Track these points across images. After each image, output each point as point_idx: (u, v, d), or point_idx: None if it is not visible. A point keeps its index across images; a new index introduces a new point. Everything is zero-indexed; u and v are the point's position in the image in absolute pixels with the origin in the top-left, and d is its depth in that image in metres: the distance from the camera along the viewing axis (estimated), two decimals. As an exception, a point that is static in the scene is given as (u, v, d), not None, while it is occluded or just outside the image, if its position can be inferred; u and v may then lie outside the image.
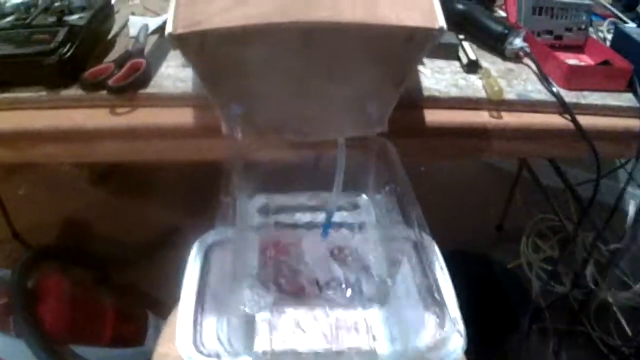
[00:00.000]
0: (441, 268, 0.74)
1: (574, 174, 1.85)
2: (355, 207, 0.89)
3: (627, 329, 1.81)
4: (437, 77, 1.00)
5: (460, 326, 0.66)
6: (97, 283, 1.87)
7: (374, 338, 0.75)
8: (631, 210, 1.11)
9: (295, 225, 0.87)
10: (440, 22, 0.59)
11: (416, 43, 0.61)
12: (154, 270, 1.98)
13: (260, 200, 0.89)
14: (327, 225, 0.82)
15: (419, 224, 0.73)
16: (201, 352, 0.66)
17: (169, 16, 0.60)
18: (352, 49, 0.62)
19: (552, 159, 1.73)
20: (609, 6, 1.47)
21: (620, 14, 1.42)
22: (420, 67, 0.99)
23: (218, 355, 0.64)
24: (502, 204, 2.32)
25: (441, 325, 0.66)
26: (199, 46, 0.59)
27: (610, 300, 1.77)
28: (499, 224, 2.36)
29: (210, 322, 0.69)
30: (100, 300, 1.66)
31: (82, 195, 2.34)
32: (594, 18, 1.34)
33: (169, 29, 0.58)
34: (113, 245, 2.12)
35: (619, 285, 1.98)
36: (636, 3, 1.46)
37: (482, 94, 0.97)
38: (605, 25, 1.32)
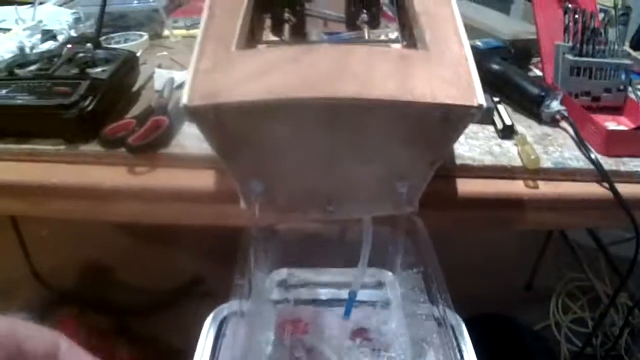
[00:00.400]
0: (468, 352, 0.68)
1: (607, 232, 1.77)
2: (380, 285, 0.83)
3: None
4: (470, 143, 0.94)
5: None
6: (116, 331, 1.83)
7: None
8: None
9: (316, 302, 0.81)
10: (480, 99, 0.53)
11: (453, 122, 0.55)
12: (175, 320, 1.92)
13: (280, 274, 0.83)
14: (350, 305, 0.75)
15: (445, 306, 0.67)
16: None
17: (186, 83, 0.55)
18: (383, 127, 0.56)
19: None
20: (646, 64, 1.41)
21: (658, 72, 1.36)
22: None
23: None
24: (532, 263, 2.23)
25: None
26: (216, 120, 0.54)
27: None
28: (529, 284, 2.27)
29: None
30: (118, 349, 1.65)
31: (105, 240, 2.30)
32: (633, 77, 1.28)
33: (184, 100, 0.53)
34: (133, 293, 2.09)
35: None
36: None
37: (518, 162, 0.90)
38: (644, 85, 1.26)
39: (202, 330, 0.75)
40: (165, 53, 1.32)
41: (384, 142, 0.58)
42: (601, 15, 1.38)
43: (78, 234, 2.25)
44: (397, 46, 0.83)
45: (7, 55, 1.22)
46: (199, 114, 0.53)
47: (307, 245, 0.79)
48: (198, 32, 0.63)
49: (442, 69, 0.56)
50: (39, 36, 1.35)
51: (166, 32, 1.44)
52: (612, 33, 1.40)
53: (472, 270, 2.03)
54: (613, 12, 1.40)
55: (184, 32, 1.45)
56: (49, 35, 1.37)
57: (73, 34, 1.42)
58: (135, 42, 1.34)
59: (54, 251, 2.22)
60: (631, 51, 1.50)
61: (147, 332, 1.90)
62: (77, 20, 1.49)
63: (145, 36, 1.37)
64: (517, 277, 2.30)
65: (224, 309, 0.74)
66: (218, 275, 2.15)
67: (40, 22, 1.46)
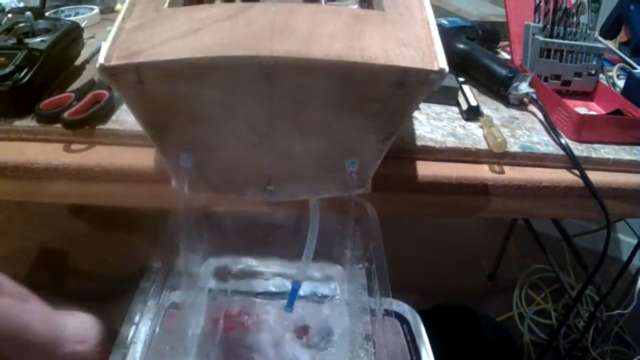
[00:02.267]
0: (423, 341, 0.61)
1: (571, 222, 1.73)
2: (328, 278, 0.74)
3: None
4: (432, 124, 0.86)
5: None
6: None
7: None
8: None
9: (256, 294, 0.72)
10: (441, 63, 0.45)
11: (409, 88, 0.47)
12: (128, 307, 1.84)
13: (218, 261, 0.74)
14: (292, 298, 0.67)
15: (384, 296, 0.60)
16: None
17: (105, 43, 0.46)
18: (327, 93, 0.47)
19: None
20: (617, 51, 1.36)
21: (629, 59, 1.31)
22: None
23: None
24: (495, 253, 2.18)
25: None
26: (137, 83, 0.45)
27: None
28: (491, 274, 2.21)
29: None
30: None
31: (59, 225, 2.20)
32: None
33: (100, 59, 0.44)
34: (89, 279, 2.00)
35: (617, 343, 1.83)
36: (645, 48, 1.35)
37: (483, 145, 0.83)
38: (614, 71, 1.21)
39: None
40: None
41: (329, 111, 0.49)
42: (572, 1, 1.32)
43: (31, 219, 2.15)
44: (354, 6, 0.75)
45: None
46: (117, 75, 0.44)
47: (254, 232, 0.70)
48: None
49: (399, 30, 0.48)
50: (-19, 8, 1.26)
51: (118, 6, 1.35)
52: (584, 18, 1.34)
53: (434, 260, 1.98)
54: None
55: (137, 6, 1.35)
56: (-2, 8, 1.28)
57: (21, 5, 1.33)
58: (85, 15, 1.24)
59: (8, 237, 2.12)
60: (601, 39, 1.44)
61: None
62: (27, -8, 1.40)
63: (96, 9, 1.28)
64: (480, 267, 2.25)
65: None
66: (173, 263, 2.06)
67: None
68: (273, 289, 0.73)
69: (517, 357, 1.78)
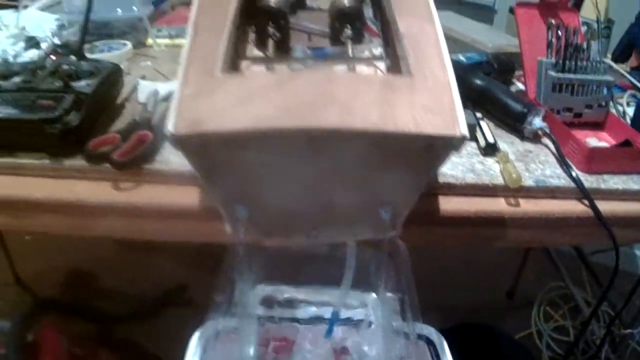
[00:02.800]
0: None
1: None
2: (363, 304, 0.84)
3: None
4: (453, 160, 0.95)
5: None
6: (98, 339, 1.83)
7: None
8: None
9: (300, 320, 0.81)
10: (462, 129, 0.54)
11: (436, 151, 0.56)
12: (158, 328, 1.94)
13: (264, 290, 0.83)
14: (332, 324, 0.76)
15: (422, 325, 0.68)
16: None
17: (170, 110, 0.55)
18: (365, 156, 0.56)
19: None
20: (628, 76, 1.43)
21: (638, 84, 1.39)
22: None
23: None
24: (514, 272, 2.26)
25: None
26: (200, 147, 0.54)
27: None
28: (510, 292, 2.29)
29: None
30: (100, 357, 1.63)
31: (88, 247, 2.30)
32: (614, 91, 1.30)
33: (169, 127, 0.53)
34: (117, 300, 2.10)
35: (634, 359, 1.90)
36: (656, 74, 1.43)
37: (500, 180, 0.91)
38: (625, 98, 1.29)
39: (187, 348, 0.75)
40: (148, 63, 1.32)
41: (366, 170, 0.58)
42: (584, 28, 1.40)
43: (62, 240, 2.25)
44: (381, 64, 0.84)
45: (-11, 64, 1.22)
46: (184, 142, 0.53)
47: (294, 262, 0.80)
48: (183, 51, 0.63)
49: (425, 97, 0.57)
50: (22, 44, 1.35)
51: (149, 41, 1.44)
52: (595, 44, 1.42)
53: (455, 279, 2.07)
54: (596, 25, 1.42)
55: (167, 41, 1.45)
56: (32, 42, 1.37)
57: (56, 41, 1.42)
58: (119, 52, 1.34)
59: (37, 257, 2.22)
60: (612, 63, 1.52)
61: (129, 339, 1.91)
62: (61, 27, 1.49)
63: (129, 45, 1.37)
64: (499, 286, 2.34)
65: (209, 326, 0.74)
66: (201, 284, 2.15)
67: (23, 28, 1.45)
68: (313, 315, 0.82)
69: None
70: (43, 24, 1.51)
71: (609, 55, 1.60)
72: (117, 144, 0.91)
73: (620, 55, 1.56)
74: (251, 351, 0.75)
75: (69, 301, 1.96)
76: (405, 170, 0.59)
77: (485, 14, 2.12)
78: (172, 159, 0.90)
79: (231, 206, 0.62)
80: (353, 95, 0.56)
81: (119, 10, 1.44)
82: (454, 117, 0.55)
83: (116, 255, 2.32)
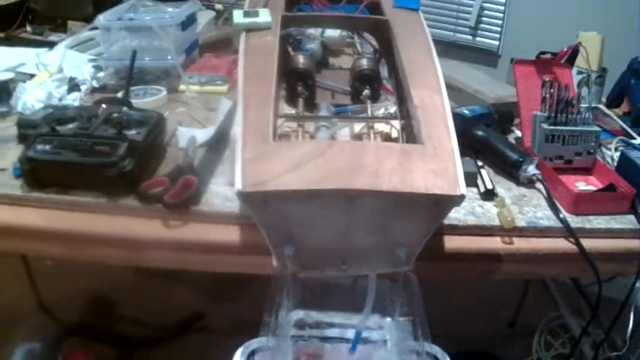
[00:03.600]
0: None
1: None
2: (380, 327, 1.03)
3: None
4: (456, 204, 1.15)
5: None
6: (122, 361, 1.99)
7: None
8: (631, 320, 1.22)
9: (327, 339, 1.01)
10: (462, 189, 0.74)
11: (441, 206, 0.77)
12: (177, 353, 2.11)
13: (298, 314, 1.03)
14: (356, 343, 0.96)
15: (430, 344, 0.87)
16: None
17: (236, 172, 0.75)
18: (388, 208, 0.77)
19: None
20: (619, 120, 1.62)
21: (629, 129, 1.57)
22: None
23: None
24: (516, 303, 2.46)
25: None
26: (262, 201, 0.74)
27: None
28: (512, 322, 2.49)
29: None
30: None
31: (109, 274, 2.46)
32: (604, 136, 1.49)
33: (238, 186, 0.73)
34: (137, 326, 2.26)
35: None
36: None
37: (496, 221, 1.11)
38: (613, 144, 1.47)
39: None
40: (182, 109, 1.52)
41: (388, 219, 0.79)
42: (578, 77, 1.60)
43: (82, 267, 2.42)
44: (396, 123, 1.04)
45: (37, 104, 1.42)
46: (249, 198, 0.73)
47: (323, 291, 0.99)
48: (237, 118, 0.83)
49: (434, 163, 0.78)
50: (66, 87, 1.55)
51: (182, 87, 1.63)
52: (585, 92, 1.62)
53: (460, 310, 2.25)
54: (589, 74, 1.62)
55: (198, 87, 1.64)
56: (73, 84, 1.57)
57: (94, 84, 1.62)
58: (156, 97, 1.53)
59: (58, 283, 2.38)
60: (605, 109, 1.71)
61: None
62: (96, 69, 1.69)
63: (164, 91, 1.57)
64: (500, 316, 2.54)
65: (253, 343, 0.94)
66: (217, 311, 2.36)
67: (61, 70, 1.65)
68: (338, 335, 1.01)
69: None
70: (79, 65, 1.71)
71: (604, 100, 1.80)
72: (167, 187, 1.10)
73: (614, 101, 1.75)
74: (290, 365, 0.95)
75: (89, 326, 2.12)
76: (418, 220, 0.79)
77: (490, 59, 2.32)
78: (215, 201, 1.10)
79: (280, 246, 0.82)
80: (379, 162, 0.76)
81: (154, 57, 1.63)
82: (456, 180, 0.76)
83: (135, 282, 2.49)
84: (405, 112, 1.00)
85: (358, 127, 1.11)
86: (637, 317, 1.29)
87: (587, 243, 1.10)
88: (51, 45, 2.03)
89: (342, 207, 0.76)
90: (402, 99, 1.03)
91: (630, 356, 1.40)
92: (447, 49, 1.92)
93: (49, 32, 2.72)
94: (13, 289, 2.25)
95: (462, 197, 0.74)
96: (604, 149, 1.44)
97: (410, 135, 0.93)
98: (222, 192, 1.12)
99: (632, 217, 1.17)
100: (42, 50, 1.86)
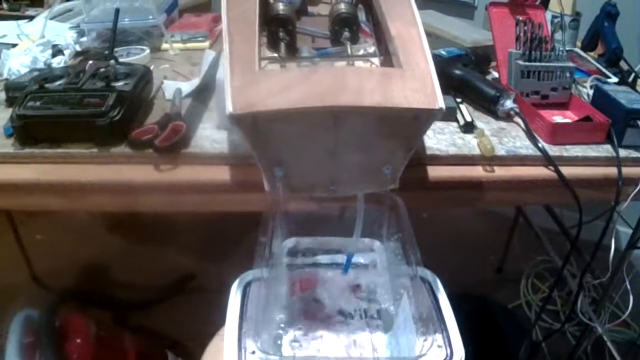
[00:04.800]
0: (442, 296, 0.96)
1: (569, 216, 2.04)
2: (370, 250, 1.09)
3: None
4: (438, 137, 1.21)
5: (458, 344, 0.85)
6: (117, 324, 2.03)
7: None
8: (612, 246, 1.28)
9: (319, 265, 1.06)
10: (440, 103, 0.79)
11: (421, 120, 0.82)
12: (171, 314, 2.18)
13: (290, 243, 1.08)
14: (348, 264, 1.01)
15: (417, 264, 0.92)
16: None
17: (226, 98, 0.80)
18: (372, 126, 0.82)
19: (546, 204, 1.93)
20: (594, 62, 1.68)
21: (604, 69, 1.63)
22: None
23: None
24: (502, 249, 2.55)
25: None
26: (252, 123, 0.79)
27: (604, 336, 1.94)
28: (499, 267, 2.58)
29: (250, 342, 0.88)
30: (123, 339, 1.81)
31: (98, 242, 2.52)
32: (579, 75, 1.55)
33: (229, 109, 0.77)
34: (129, 290, 2.30)
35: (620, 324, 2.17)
36: (618, 59, 1.67)
37: (477, 151, 1.17)
38: (589, 82, 1.53)
39: (230, 293, 0.98)
40: (167, 65, 1.56)
41: (373, 137, 0.84)
42: (555, 21, 1.65)
43: (70, 237, 2.47)
44: (376, 60, 1.08)
45: (23, 69, 1.45)
46: (240, 119, 0.78)
47: (313, 222, 1.05)
48: (224, 54, 0.88)
49: (413, 82, 0.83)
50: (50, 51, 1.58)
51: (165, 46, 1.67)
52: (566, 36, 1.67)
53: (448, 258, 2.30)
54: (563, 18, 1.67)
55: (180, 45, 1.68)
56: (56, 49, 1.60)
57: (77, 48, 1.65)
58: (139, 56, 1.58)
59: (50, 254, 2.43)
60: (581, 52, 1.77)
61: (145, 324, 2.13)
62: (79, 34, 1.72)
63: (147, 50, 1.61)
64: (488, 262, 2.63)
65: (248, 275, 0.99)
66: (208, 272, 2.41)
67: (43, 37, 1.68)
68: (329, 261, 1.07)
69: (526, 339, 2.09)
70: (61, 33, 1.74)
71: (579, 44, 1.86)
72: (156, 134, 1.14)
73: (588, 45, 1.81)
74: (284, 290, 1.00)
75: (85, 292, 2.16)
76: (400, 136, 0.84)
77: (466, 10, 2.37)
78: (204, 144, 1.14)
79: (271, 168, 0.87)
80: (361, 83, 0.81)
81: (135, 18, 1.67)
82: (434, 95, 0.81)
83: (125, 249, 2.56)
84: (384, 50, 1.05)
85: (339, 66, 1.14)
86: (617, 243, 1.35)
87: (566, 170, 1.16)
88: (30, 18, 2.06)
89: (328, 126, 0.81)
90: (381, 39, 1.07)
91: (611, 284, 1.47)
92: (425, 2, 1.96)
93: (26, 7, 2.73)
94: (5, 263, 2.30)
95: (440, 110, 0.79)
96: (580, 87, 1.50)
97: (388, 65, 0.97)
98: (210, 135, 1.17)
99: (608, 147, 1.23)
100: (23, 22, 1.89)
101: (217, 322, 1.08)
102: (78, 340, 1.65)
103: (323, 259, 1.07)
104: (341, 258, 1.05)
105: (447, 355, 0.89)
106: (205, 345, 1.09)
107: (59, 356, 1.55)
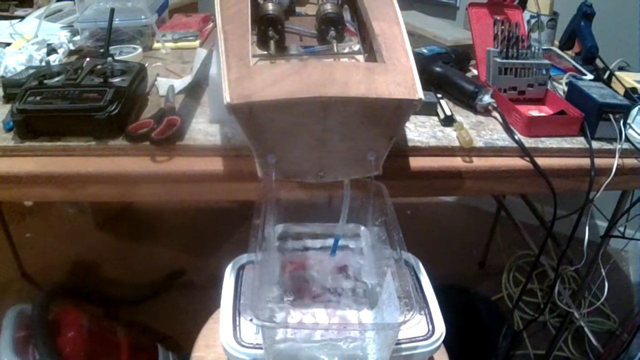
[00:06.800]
0: (424, 278, 1.06)
1: (550, 211, 2.13)
2: (356, 235, 1.18)
3: (600, 350, 2.08)
4: (419, 130, 1.30)
5: (439, 321, 0.94)
6: (109, 319, 2.09)
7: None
8: (587, 231, 1.36)
9: (308, 249, 1.15)
10: (420, 94, 0.89)
11: (403, 109, 0.91)
12: (160, 309, 2.26)
13: (280, 228, 1.17)
14: (335, 245, 1.10)
15: (400, 246, 0.99)
16: (241, 344, 0.93)
17: (223, 90, 0.88)
18: (358, 115, 0.91)
19: (526, 199, 2.03)
20: (570, 60, 1.77)
21: (580, 67, 1.72)
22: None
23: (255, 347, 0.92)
24: (485, 243, 2.65)
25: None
26: (248, 112, 0.87)
27: (582, 322, 2.05)
28: (482, 261, 2.69)
29: (245, 321, 0.96)
30: (115, 332, 1.88)
31: (87, 239, 2.58)
32: (555, 72, 1.65)
33: (226, 99, 0.86)
34: (120, 286, 2.38)
35: (596, 314, 2.27)
36: (594, 57, 1.76)
37: (456, 143, 1.25)
38: (564, 79, 1.63)
39: (224, 276, 1.06)
40: (159, 63, 1.64)
41: (359, 126, 0.94)
42: (532, 20, 1.75)
43: (59, 235, 2.52)
44: (360, 57, 1.17)
45: (19, 67, 1.52)
46: (237, 109, 0.86)
47: (301, 209, 1.13)
48: (220, 50, 0.96)
49: (395, 76, 0.92)
50: (44, 50, 1.65)
51: (156, 44, 1.75)
52: (543, 35, 1.77)
53: (431, 252, 2.39)
54: (540, 18, 1.76)
55: (171, 44, 1.76)
56: (50, 48, 1.67)
57: (71, 47, 1.72)
58: (132, 55, 1.65)
59: (39, 252, 2.49)
60: (558, 50, 1.87)
61: (135, 319, 2.20)
62: (72, 33, 1.79)
63: (140, 49, 1.68)
64: (471, 257, 2.73)
65: (242, 258, 1.08)
66: (197, 267, 2.48)
67: (36, 36, 1.75)
68: (318, 244, 1.16)
69: (508, 330, 2.18)
70: (54, 32, 1.81)
71: (557, 43, 1.95)
72: (152, 127, 1.21)
73: (566, 44, 1.90)
74: (276, 270, 1.08)
75: (77, 287, 2.21)
76: (383, 124, 0.94)
77: (448, 11, 2.46)
78: (197, 137, 1.22)
79: (264, 155, 0.95)
80: (348, 76, 0.90)
81: (127, 18, 1.74)
82: (414, 87, 0.90)
83: (115, 246, 2.63)
84: (368, 48, 1.13)
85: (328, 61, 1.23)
86: (595, 236, 1.45)
87: (541, 161, 1.25)
88: (21, 18, 2.11)
89: (318, 115, 0.89)
90: (365, 37, 1.16)
91: (588, 273, 1.56)
92: (409, 3, 2.06)
93: (14, 7, 2.79)
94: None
95: (419, 101, 0.88)
96: (556, 84, 1.60)
97: (372, 61, 1.06)
98: (204, 128, 1.25)
99: (582, 139, 1.33)
100: (15, 22, 1.95)
101: (206, 315, 1.18)
102: (71, 334, 1.70)
103: (312, 243, 1.16)
104: (329, 242, 1.13)
105: (429, 331, 0.98)
106: (194, 338, 1.15)
107: (52, 349, 1.59)
